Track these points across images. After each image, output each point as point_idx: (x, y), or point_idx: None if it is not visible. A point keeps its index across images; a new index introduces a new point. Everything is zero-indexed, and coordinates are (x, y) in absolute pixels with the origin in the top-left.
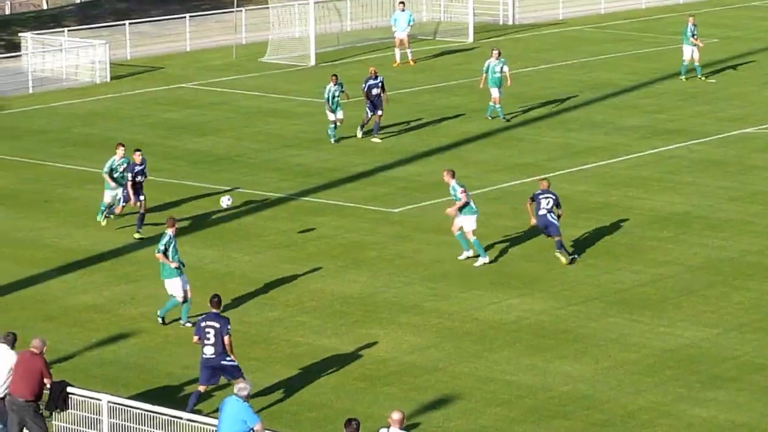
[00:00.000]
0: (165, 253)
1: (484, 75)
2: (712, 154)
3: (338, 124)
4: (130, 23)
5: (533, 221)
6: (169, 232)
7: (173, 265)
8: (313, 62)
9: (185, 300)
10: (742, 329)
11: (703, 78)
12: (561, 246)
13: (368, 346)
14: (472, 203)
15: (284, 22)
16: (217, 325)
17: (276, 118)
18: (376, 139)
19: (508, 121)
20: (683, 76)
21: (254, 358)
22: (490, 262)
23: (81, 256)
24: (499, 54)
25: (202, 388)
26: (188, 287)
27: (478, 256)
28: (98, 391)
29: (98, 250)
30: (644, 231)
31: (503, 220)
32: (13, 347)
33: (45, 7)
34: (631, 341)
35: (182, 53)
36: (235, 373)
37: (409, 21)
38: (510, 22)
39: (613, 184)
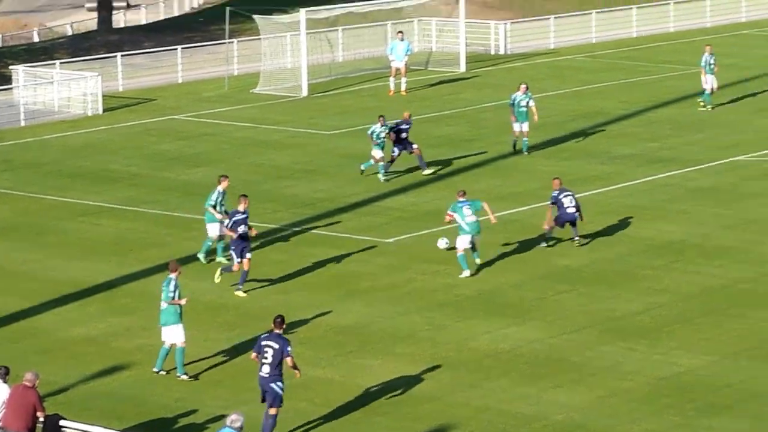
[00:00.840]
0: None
1: (510, 108)
2: (705, 182)
3: (380, 161)
4: (122, 55)
5: (546, 226)
6: (173, 275)
7: (183, 301)
8: (305, 93)
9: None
10: (737, 357)
11: (704, 106)
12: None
13: (363, 376)
14: (462, 223)
15: (276, 53)
16: (276, 345)
17: (268, 149)
18: (427, 171)
19: (528, 153)
20: (709, 106)
21: (249, 390)
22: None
23: (75, 289)
24: (527, 88)
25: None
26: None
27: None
28: (93, 424)
29: (92, 282)
30: (638, 259)
31: (496, 249)
32: (5, 381)
33: (36, 39)
34: (626, 369)
35: (174, 85)
36: (275, 401)
37: (407, 50)
38: (501, 52)
39: (608, 212)
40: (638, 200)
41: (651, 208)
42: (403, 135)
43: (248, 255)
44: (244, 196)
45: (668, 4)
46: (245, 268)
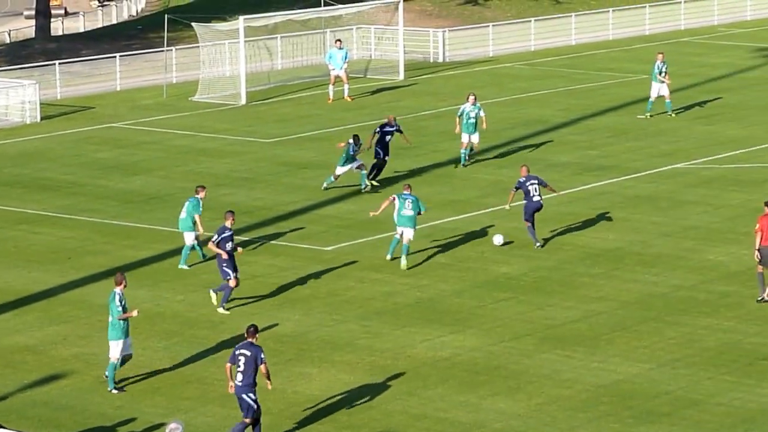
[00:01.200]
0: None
1: (458, 119)
2: (643, 190)
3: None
4: (60, 63)
5: (508, 207)
6: (118, 289)
7: (134, 313)
8: (243, 101)
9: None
10: (675, 364)
11: (673, 114)
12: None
13: (302, 384)
14: (396, 213)
15: (214, 61)
16: (248, 353)
17: (207, 157)
18: (373, 182)
19: (465, 167)
20: (648, 113)
21: (187, 398)
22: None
23: (13, 297)
24: (475, 99)
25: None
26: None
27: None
28: None
29: (30, 290)
30: (576, 267)
31: (434, 256)
32: None
33: None
34: (564, 377)
35: (113, 93)
36: (248, 411)
37: (345, 58)
38: (440, 60)
39: (545, 220)
40: (577, 208)
41: (589, 216)
42: (387, 138)
43: (235, 273)
44: (231, 212)
45: (607, 12)
46: (232, 285)
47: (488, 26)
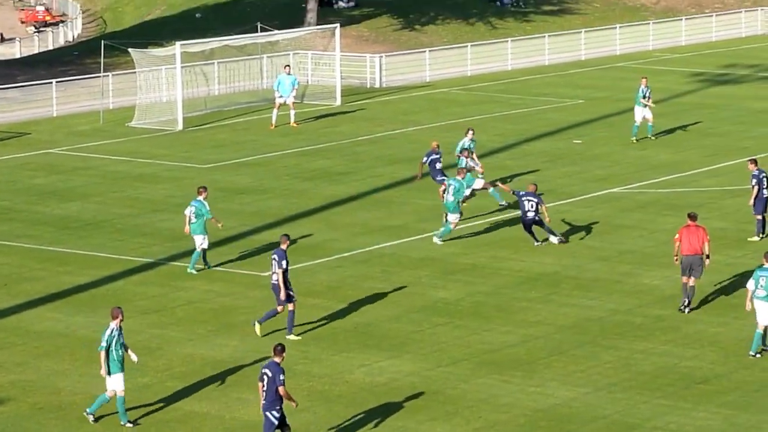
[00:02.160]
0: (108, 350)
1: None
2: (579, 215)
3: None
4: None
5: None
6: (113, 324)
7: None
8: (180, 126)
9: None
10: (612, 389)
11: (653, 138)
12: (551, 231)
13: (239, 410)
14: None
15: (151, 86)
16: (270, 373)
17: (143, 182)
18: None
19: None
20: (634, 137)
21: (123, 427)
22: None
23: None
24: (473, 134)
25: None
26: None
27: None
28: None
29: None
30: (513, 291)
31: (372, 282)
32: None
33: None
34: (501, 401)
35: (49, 118)
36: (268, 429)
37: (294, 84)
38: (377, 85)
39: (482, 245)
40: (513, 233)
41: (525, 240)
42: (438, 166)
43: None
44: (286, 235)
45: (543, 37)
46: (291, 308)
47: (425, 51)
